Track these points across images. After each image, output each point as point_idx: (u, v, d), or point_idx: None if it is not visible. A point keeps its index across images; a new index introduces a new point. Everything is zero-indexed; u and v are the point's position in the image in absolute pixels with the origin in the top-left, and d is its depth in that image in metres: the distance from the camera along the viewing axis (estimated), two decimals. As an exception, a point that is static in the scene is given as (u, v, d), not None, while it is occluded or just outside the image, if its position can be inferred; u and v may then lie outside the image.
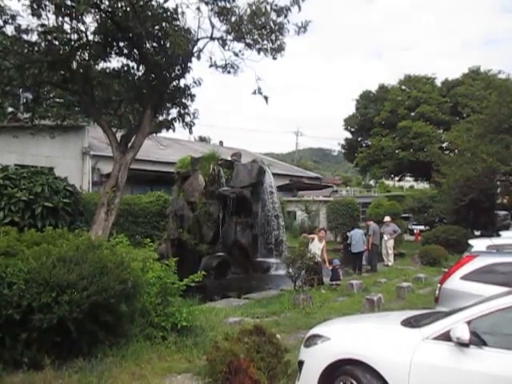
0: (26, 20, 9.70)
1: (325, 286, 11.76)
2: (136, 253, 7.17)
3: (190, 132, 12.35)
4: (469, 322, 3.74)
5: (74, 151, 21.76)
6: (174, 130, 12.00)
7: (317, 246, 12.09)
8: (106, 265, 5.50)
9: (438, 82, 37.65)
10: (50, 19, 9.54)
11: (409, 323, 4.33)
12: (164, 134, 14.23)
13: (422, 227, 28.99)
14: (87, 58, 10.77)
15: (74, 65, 10.68)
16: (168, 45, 10.10)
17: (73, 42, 10.13)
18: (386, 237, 16.63)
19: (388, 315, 5.64)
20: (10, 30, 9.73)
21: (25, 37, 9.84)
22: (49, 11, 9.38)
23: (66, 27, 9.81)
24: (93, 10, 9.55)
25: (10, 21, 9.59)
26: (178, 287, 6.69)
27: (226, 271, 15.48)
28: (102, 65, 11.36)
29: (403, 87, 38.08)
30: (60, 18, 9.53)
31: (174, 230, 16.67)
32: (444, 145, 35.27)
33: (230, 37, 10.35)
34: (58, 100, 12.55)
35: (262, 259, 16.66)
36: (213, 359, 4.89)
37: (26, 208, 9.03)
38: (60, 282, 5.07)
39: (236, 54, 10.71)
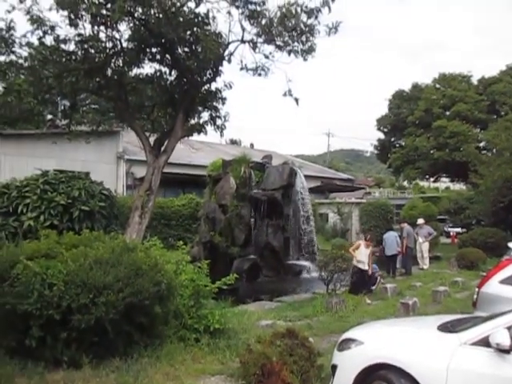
0: (64, 30, 10.10)
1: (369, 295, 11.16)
2: (169, 255, 7.30)
3: (222, 135, 12.52)
4: (509, 328, 3.64)
5: (109, 156, 22.36)
6: (205, 134, 12.17)
7: (363, 253, 11.53)
8: (140, 267, 5.63)
9: (474, 80, 36.55)
10: (86, 28, 9.93)
11: (446, 328, 4.23)
12: (195, 137, 14.44)
13: (458, 229, 28.18)
14: (121, 65, 11.07)
15: (109, 72, 11.00)
16: (199, 49, 10.28)
17: (108, 50, 10.45)
18: (420, 239, 16.27)
19: (424, 319, 5.53)
20: (49, 40, 10.13)
21: (63, 46, 10.22)
22: (85, 21, 9.74)
23: (102, 35, 10.18)
24: (127, 18, 9.82)
25: (49, 31, 9.97)
26: (211, 290, 6.77)
27: (257, 274, 15.52)
28: (135, 71, 11.70)
29: (438, 86, 37.18)
30: (96, 27, 9.87)
31: (206, 232, 16.85)
32: (481, 144, 34.19)
33: (260, 39, 10.44)
34: (93, 106, 12.96)
35: (293, 262, 16.60)
36: (246, 362, 4.92)
37: (65, 212, 9.35)
38: (97, 284, 5.23)
39: (266, 57, 10.78)
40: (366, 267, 11.44)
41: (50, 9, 9.51)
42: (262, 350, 4.96)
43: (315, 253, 16.97)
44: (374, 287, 11.71)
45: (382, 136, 41.21)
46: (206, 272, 6.89)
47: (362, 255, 11.48)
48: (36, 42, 10.14)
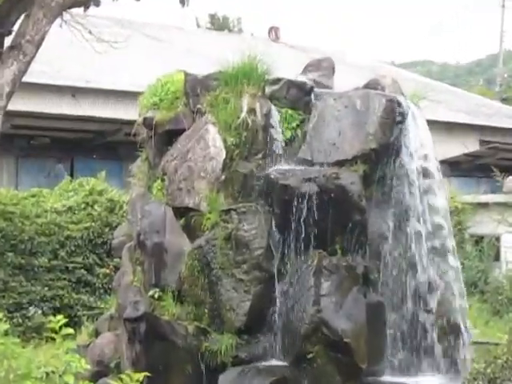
0: None
1: None
2: (28, 356, 7.40)
3: (183, 1, 12.57)
4: None
5: None
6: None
7: None
8: None
9: None
10: None
11: None
12: (108, 9, 14.57)
13: None
14: None
15: None
16: None
17: None
18: None
19: None
20: None
21: None
22: None
23: None
24: None
25: None
26: None
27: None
28: None
29: None
30: None
31: (137, 291, 17.02)
32: None
33: None
34: None
35: (395, 379, 16.71)
36: None
37: None
38: None
39: None
40: None
41: None
42: None
43: (462, 350, 17.09)
44: None
45: None
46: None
47: None
48: None
